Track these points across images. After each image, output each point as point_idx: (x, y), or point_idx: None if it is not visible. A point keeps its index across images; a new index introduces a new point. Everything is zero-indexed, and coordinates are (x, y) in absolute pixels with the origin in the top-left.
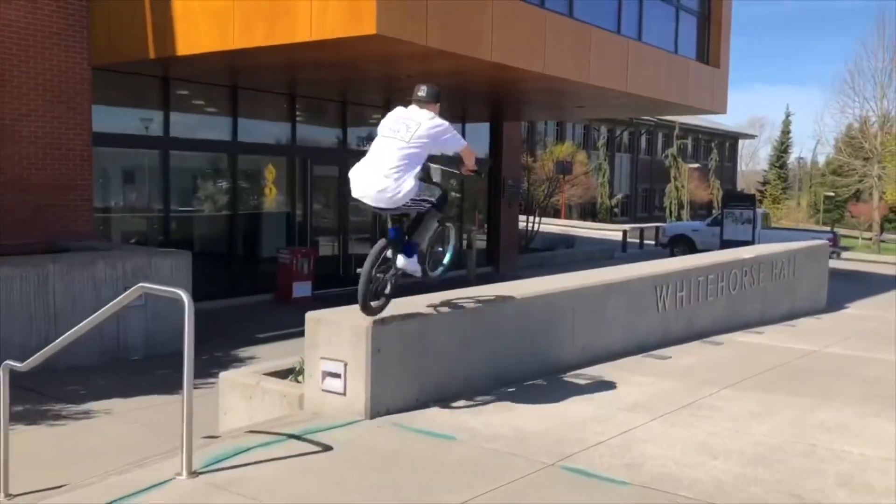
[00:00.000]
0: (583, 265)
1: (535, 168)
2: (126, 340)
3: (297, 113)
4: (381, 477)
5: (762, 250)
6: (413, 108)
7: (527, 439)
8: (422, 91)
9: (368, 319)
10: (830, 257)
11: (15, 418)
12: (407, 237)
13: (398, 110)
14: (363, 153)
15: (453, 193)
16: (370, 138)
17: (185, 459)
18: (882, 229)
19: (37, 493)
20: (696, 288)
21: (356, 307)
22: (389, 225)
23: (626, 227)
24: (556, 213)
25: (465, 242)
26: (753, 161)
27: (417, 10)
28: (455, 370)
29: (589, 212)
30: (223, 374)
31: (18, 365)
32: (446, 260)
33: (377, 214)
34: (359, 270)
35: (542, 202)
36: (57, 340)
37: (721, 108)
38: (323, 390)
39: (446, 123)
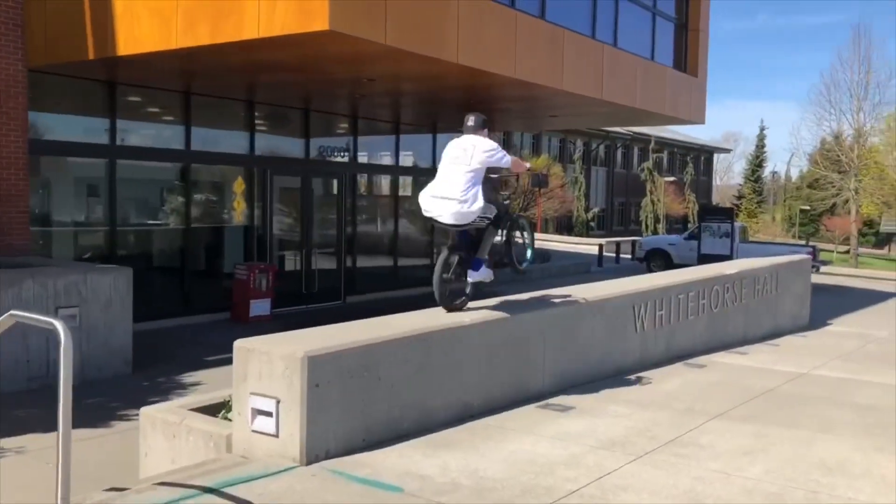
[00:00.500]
0: (558, 279)
1: (510, 181)
2: (57, 364)
3: (257, 121)
4: None
5: (745, 265)
6: (466, 136)
7: (487, 490)
8: (470, 121)
9: (303, 350)
10: (811, 272)
11: None
12: (472, 254)
13: (455, 141)
14: (328, 163)
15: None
16: (337, 148)
17: None
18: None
19: None
20: (677, 306)
21: (298, 333)
22: (452, 237)
23: (603, 240)
24: (532, 226)
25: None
26: (728, 175)
27: (374, 7)
28: (410, 403)
29: (565, 225)
30: (144, 410)
31: None
32: (529, 254)
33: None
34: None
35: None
36: None
37: (699, 118)
38: (253, 431)
39: (496, 145)
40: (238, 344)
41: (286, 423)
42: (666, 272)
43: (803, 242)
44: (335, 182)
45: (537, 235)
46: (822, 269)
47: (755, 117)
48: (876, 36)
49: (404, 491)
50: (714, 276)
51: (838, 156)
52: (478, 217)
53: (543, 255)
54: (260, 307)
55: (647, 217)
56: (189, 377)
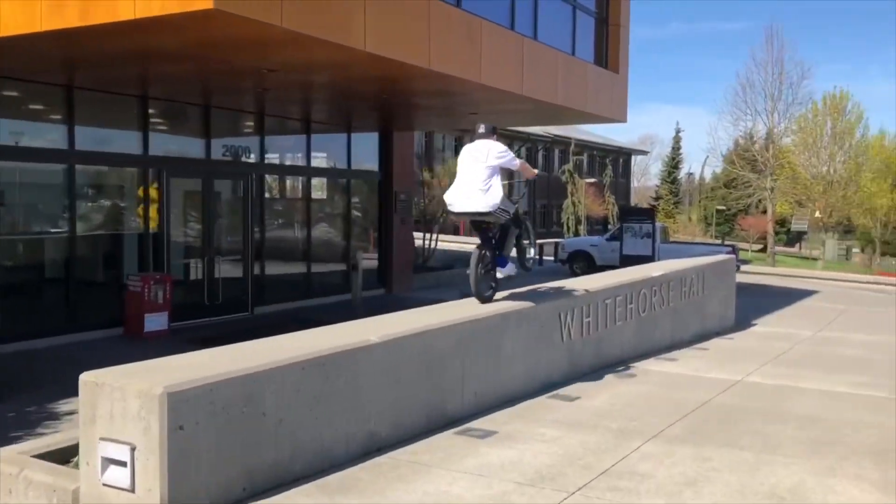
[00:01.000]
0: None
1: (433, 183)
2: None
3: (152, 118)
4: None
5: (671, 267)
6: (479, 141)
7: None
8: (481, 129)
9: (163, 384)
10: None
11: None
12: (497, 252)
13: (469, 145)
14: (232, 164)
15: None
16: (242, 148)
17: None
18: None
19: None
20: (604, 312)
21: (164, 362)
22: (480, 236)
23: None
24: (455, 230)
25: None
26: (645, 177)
27: None
28: (303, 441)
29: None
30: None
31: None
32: (532, 252)
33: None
34: (467, 271)
35: (439, 218)
36: None
37: (621, 116)
38: (104, 485)
39: (505, 148)
40: (84, 378)
41: (143, 474)
42: (591, 276)
43: (719, 242)
44: (241, 184)
45: (460, 239)
46: (742, 268)
47: (670, 120)
48: (787, 38)
49: None
50: (641, 279)
51: (754, 156)
52: (499, 208)
53: (465, 259)
54: (156, 321)
55: (568, 219)
56: (66, 404)
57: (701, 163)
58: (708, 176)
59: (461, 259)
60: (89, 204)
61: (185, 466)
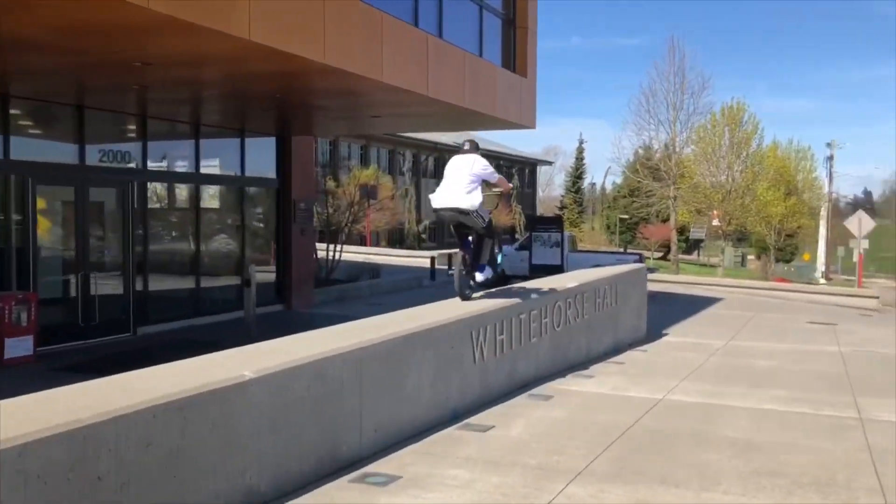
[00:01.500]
0: (389, 296)
1: (337, 193)
2: None
3: (13, 119)
4: None
5: (585, 277)
6: (463, 155)
7: None
8: (467, 146)
9: None
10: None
11: None
12: (475, 261)
13: (457, 157)
14: (110, 170)
15: None
16: (122, 153)
17: None
18: (668, 249)
19: None
20: (518, 328)
21: None
22: (460, 240)
23: (434, 253)
24: (361, 241)
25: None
26: (550, 187)
27: None
28: None
29: (397, 238)
30: None
31: None
32: (500, 259)
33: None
34: (451, 272)
35: (344, 228)
36: None
37: (530, 122)
38: None
39: (487, 163)
40: None
41: None
42: (502, 288)
43: (622, 250)
44: (121, 192)
45: (365, 249)
46: (649, 276)
47: (573, 133)
48: (688, 49)
49: None
50: (555, 291)
51: (657, 165)
52: (477, 210)
53: (372, 271)
54: (19, 346)
55: None
56: None
57: (603, 173)
58: (609, 186)
59: (367, 271)
60: None
61: None
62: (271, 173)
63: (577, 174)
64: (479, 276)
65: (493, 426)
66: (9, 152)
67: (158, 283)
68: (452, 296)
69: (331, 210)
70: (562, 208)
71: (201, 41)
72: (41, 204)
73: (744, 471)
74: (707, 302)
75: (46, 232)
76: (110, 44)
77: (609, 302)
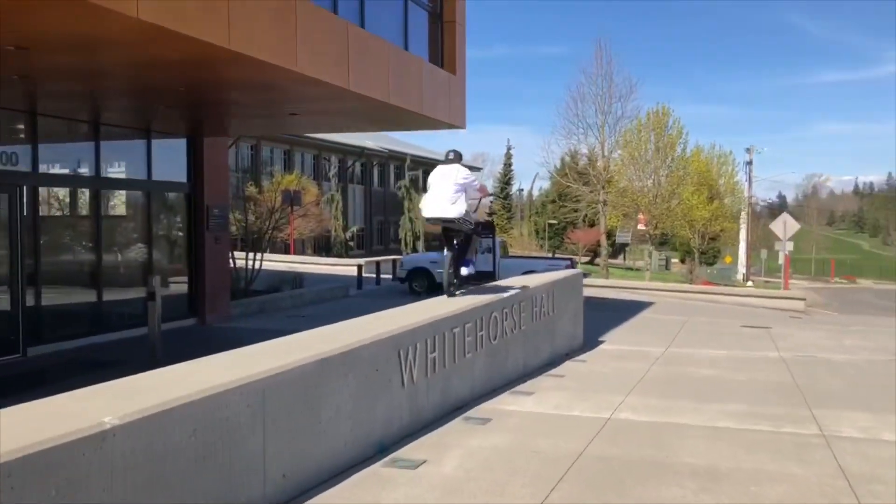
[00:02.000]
0: (313, 307)
1: (259, 199)
2: None
3: None
4: None
5: (521, 285)
6: (447, 165)
7: None
8: (451, 156)
9: None
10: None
11: None
12: (461, 257)
13: (441, 167)
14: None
15: None
16: (9, 155)
17: None
18: (596, 254)
19: None
20: (452, 343)
21: None
22: (447, 243)
23: (362, 261)
24: (286, 249)
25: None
26: None
27: None
28: None
29: (323, 246)
30: None
31: None
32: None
33: None
34: (438, 269)
35: (265, 236)
36: None
37: (460, 122)
38: None
39: (469, 172)
40: None
41: None
42: (435, 299)
43: (551, 255)
44: (7, 198)
45: (289, 257)
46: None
47: (499, 139)
48: (615, 52)
49: None
50: (491, 302)
51: (586, 169)
52: (463, 217)
53: (296, 281)
54: None
55: (405, 234)
56: None
57: (531, 179)
58: (536, 191)
59: (290, 280)
60: None
61: None
62: (182, 177)
63: (506, 180)
64: (464, 271)
65: (425, 460)
66: None
67: (53, 298)
68: (380, 306)
69: (252, 217)
70: (491, 214)
71: (82, 20)
72: None
73: None
74: (639, 306)
75: None
76: None
77: (546, 311)
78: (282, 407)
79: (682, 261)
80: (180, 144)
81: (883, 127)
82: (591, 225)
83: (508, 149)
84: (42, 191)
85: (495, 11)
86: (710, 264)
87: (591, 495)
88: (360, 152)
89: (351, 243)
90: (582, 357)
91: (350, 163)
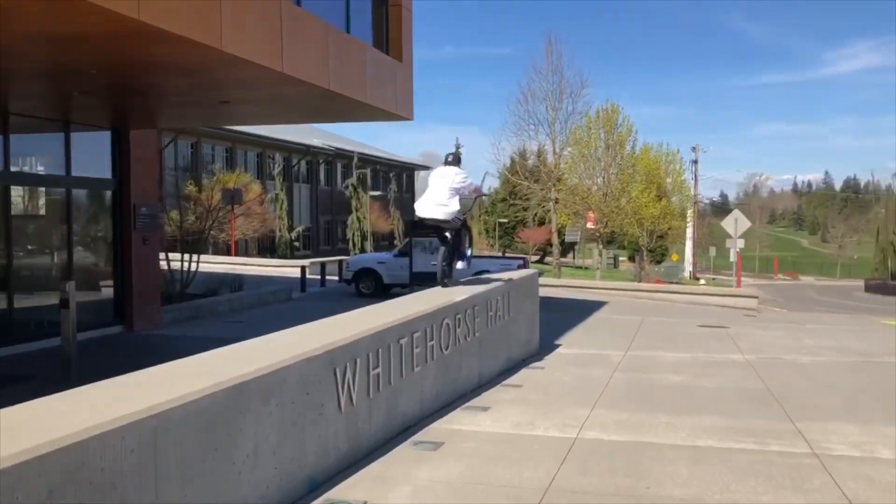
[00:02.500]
0: (253, 311)
1: (200, 198)
2: None
3: None
4: None
5: (476, 288)
6: (445, 167)
7: None
8: (450, 159)
9: None
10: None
11: None
12: (455, 251)
13: (440, 168)
14: None
15: None
16: None
17: None
18: (545, 253)
19: None
20: (399, 356)
21: None
22: (440, 238)
23: (306, 262)
24: (227, 250)
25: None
26: None
27: None
28: None
29: (268, 247)
30: None
31: None
32: (469, 252)
33: None
34: (432, 262)
35: (202, 236)
36: None
37: (407, 112)
38: None
39: (465, 175)
40: None
41: None
42: (382, 304)
43: (501, 254)
44: None
45: (231, 260)
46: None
47: (449, 139)
48: (565, 48)
49: None
50: (443, 307)
51: (537, 166)
52: (454, 217)
53: (235, 283)
54: None
55: (353, 234)
56: None
57: (481, 178)
58: (486, 191)
59: (230, 283)
60: None
61: None
62: (106, 173)
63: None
64: (459, 265)
65: (365, 502)
66: None
67: None
68: (323, 309)
69: (193, 217)
70: None
71: None
72: None
73: None
74: (592, 306)
75: None
76: None
77: (502, 315)
78: (181, 450)
79: (631, 259)
80: (104, 138)
81: (820, 127)
82: (541, 223)
83: (457, 147)
84: None
85: (445, 12)
86: (659, 262)
87: None
88: (306, 150)
89: (296, 244)
90: (540, 363)
91: (295, 161)
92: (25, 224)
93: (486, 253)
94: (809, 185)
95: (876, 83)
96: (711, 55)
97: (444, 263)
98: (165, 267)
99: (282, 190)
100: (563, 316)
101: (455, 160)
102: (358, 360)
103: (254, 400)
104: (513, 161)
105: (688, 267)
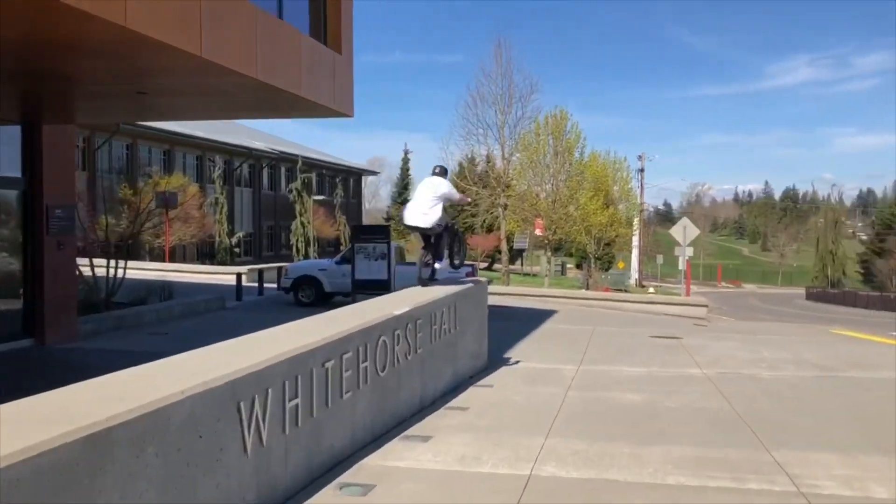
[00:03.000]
0: (180, 322)
1: (133, 202)
2: None
3: None
4: None
5: (418, 299)
6: (431, 178)
7: None
8: (437, 171)
9: None
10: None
11: None
12: (435, 253)
13: (428, 178)
14: None
15: None
16: None
17: None
18: (493, 260)
19: None
20: (324, 382)
21: None
22: (423, 241)
23: (244, 268)
24: (161, 256)
25: None
26: (376, 199)
27: None
28: None
29: (207, 253)
30: None
31: None
32: (458, 257)
33: None
34: (416, 261)
35: (129, 241)
36: None
37: (346, 108)
38: None
39: (450, 186)
40: None
41: None
42: (309, 319)
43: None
44: None
45: (164, 266)
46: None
47: (398, 145)
48: (514, 51)
49: None
50: (379, 322)
51: (486, 172)
52: (436, 224)
53: (165, 291)
54: None
55: (297, 240)
56: None
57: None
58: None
59: (159, 291)
60: None
61: None
62: (14, 171)
63: (404, 185)
64: (437, 265)
65: None
66: None
67: None
68: (257, 320)
69: (126, 222)
70: (388, 220)
71: None
72: None
73: None
74: (542, 315)
75: None
76: None
77: (448, 328)
78: None
79: (579, 266)
80: (13, 133)
81: (761, 138)
82: (490, 230)
83: (406, 153)
84: None
85: (394, 18)
86: (606, 269)
87: None
88: (249, 153)
89: (237, 250)
90: (488, 380)
91: (237, 164)
92: None
93: None
94: (750, 194)
95: (814, 96)
96: (657, 67)
97: (423, 263)
98: (90, 274)
99: (222, 194)
100: (512, 326)
101: (442, 172)
102: (270, 391)
103: (121, 450)
104: (461, 166)
105: (634, 275)
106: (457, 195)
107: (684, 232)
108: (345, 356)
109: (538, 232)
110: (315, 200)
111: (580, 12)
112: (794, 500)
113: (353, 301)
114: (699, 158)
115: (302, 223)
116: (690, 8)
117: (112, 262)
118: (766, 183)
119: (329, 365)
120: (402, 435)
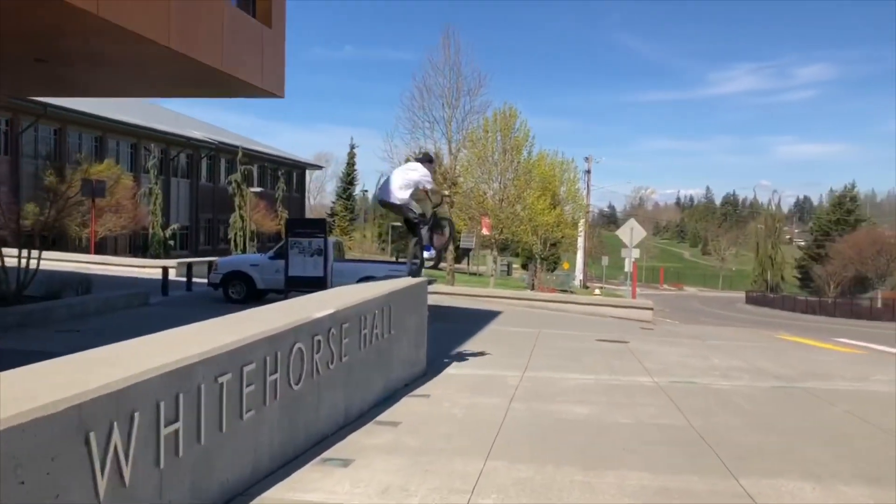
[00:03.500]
0: (96, 319)
1: (60, 190)
2: None
3: None
4: None
5: (345, 300)
6: (413, 162)
7: None
8: (420, 155)
9: None
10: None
11: None
12: (420, 243)
13: (408, 162)
14: None
15: None
16: None
17: None
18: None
19: None
20: (216, 401)
21: None
22: (410, 231)
23: (173, 262)
24: (86, 248)
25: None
26: (322, 194)
27: None
28: None
29: (140, 245)
30: None
31: None
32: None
33: None
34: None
35: (53, 232)
36: None
37: (277, 88)
38: None
39: (426, 172)
40: None
41: None
42: (203, 323)
43: (394, 259)
44: None
45: (88, 258)
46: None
47: (344, 140)
48: (463, 42)
49: None
50: (293, 327)
51: (435, 168)
52: (406, 205)
53: (84, 285)
54: None
55: (236, 234)
56: None
57: (376, 181)
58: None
59: (77, 285)
60: None
61: None
62: None
63: (349, 180)
64: (426, 255)
65: None
66: None
67: None
68: (182, 316)
69: (52, 211)
70: (332, 215)
71: None
72: None
73: None
74: (486, 316)
75: None
76: None
77: (380, 332)
78: None
79: (524, 266)
80: None
81: (703, 144)
82: None
83: (352, 148)
84: None
85: (344, 13)
86: (552, 270)
87: None
88: (186, 142)
89: (171, 242)
90: (424, 389)
91: (174, 154)
92: None
93: (376, 258)
94: (691, 199)
95: (754, 104)
96: (603, 71)
97: (413, 252)
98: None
99: (156, 184)
100: (455, 328)
101: (425, 158)
102: (137, 415)
103: None
104: (408, 161)
105: (579, 275)
106: (427, 184)
107: (631, 233)
108: (246, 368)
109: (485, 231)
110: (255, 193)
111: (529, 16)
112: None
113: (287, 298)
114: (644, 162)
115: (241, 216)
116: (637, 14)
117: (26, 252)
118: (708, 188)
119: (224, 379)
120: (320, 458)
